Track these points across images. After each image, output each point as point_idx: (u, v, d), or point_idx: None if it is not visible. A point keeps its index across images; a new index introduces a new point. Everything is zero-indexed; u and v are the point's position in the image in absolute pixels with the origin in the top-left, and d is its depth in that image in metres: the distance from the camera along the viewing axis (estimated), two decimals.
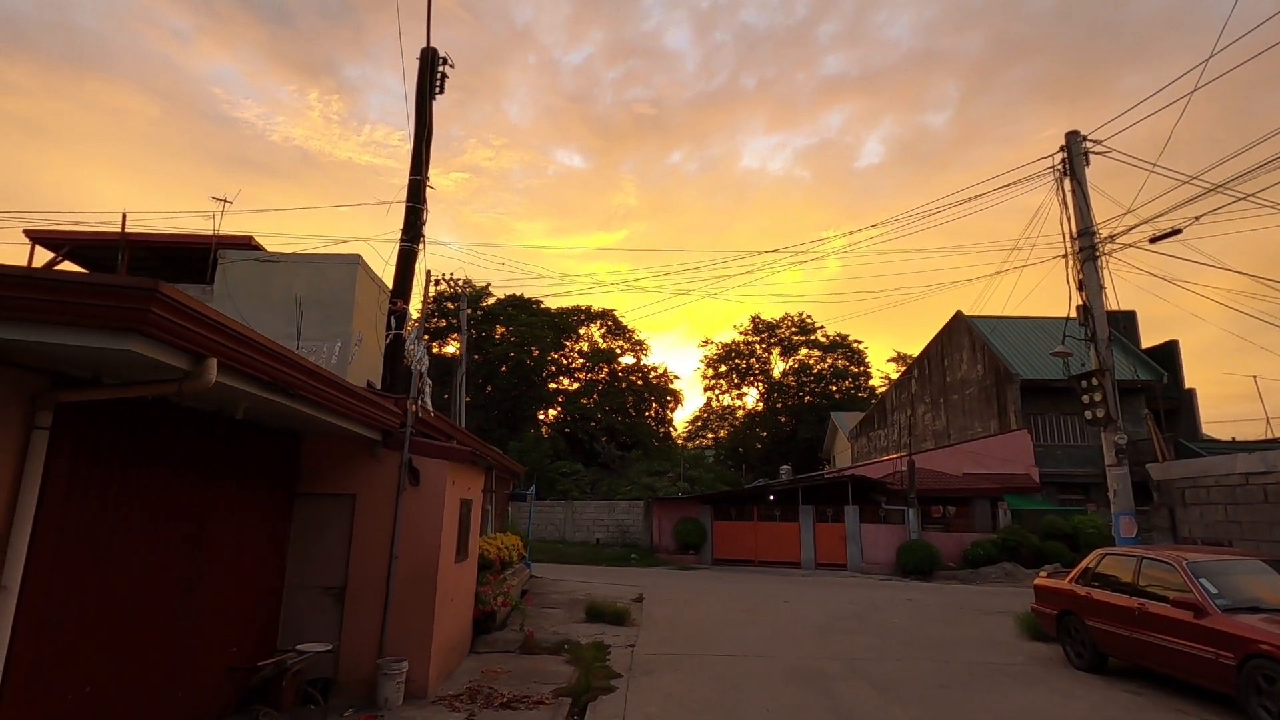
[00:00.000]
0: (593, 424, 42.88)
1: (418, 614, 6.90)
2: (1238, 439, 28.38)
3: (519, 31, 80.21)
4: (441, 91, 9.62)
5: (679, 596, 15.15)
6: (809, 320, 52.09)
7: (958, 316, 31.82)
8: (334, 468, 7.16)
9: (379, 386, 9.70)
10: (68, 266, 15.20)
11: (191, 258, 14.62)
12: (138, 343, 3.06)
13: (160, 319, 3.03)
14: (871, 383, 51.66)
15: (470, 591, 9.02)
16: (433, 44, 9.63)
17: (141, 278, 3.07)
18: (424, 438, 7.54)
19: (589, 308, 47.51)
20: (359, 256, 13.69)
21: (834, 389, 50.73)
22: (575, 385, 46.20)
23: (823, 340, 51.76)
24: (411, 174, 9.13)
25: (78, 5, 64.17)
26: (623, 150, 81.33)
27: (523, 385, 43.19)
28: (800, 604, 14.42)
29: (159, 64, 69.35)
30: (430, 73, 9.50)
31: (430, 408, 7.79)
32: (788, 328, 52.40)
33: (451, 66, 9.73)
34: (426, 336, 8.61)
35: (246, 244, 14.17)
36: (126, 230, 14.11)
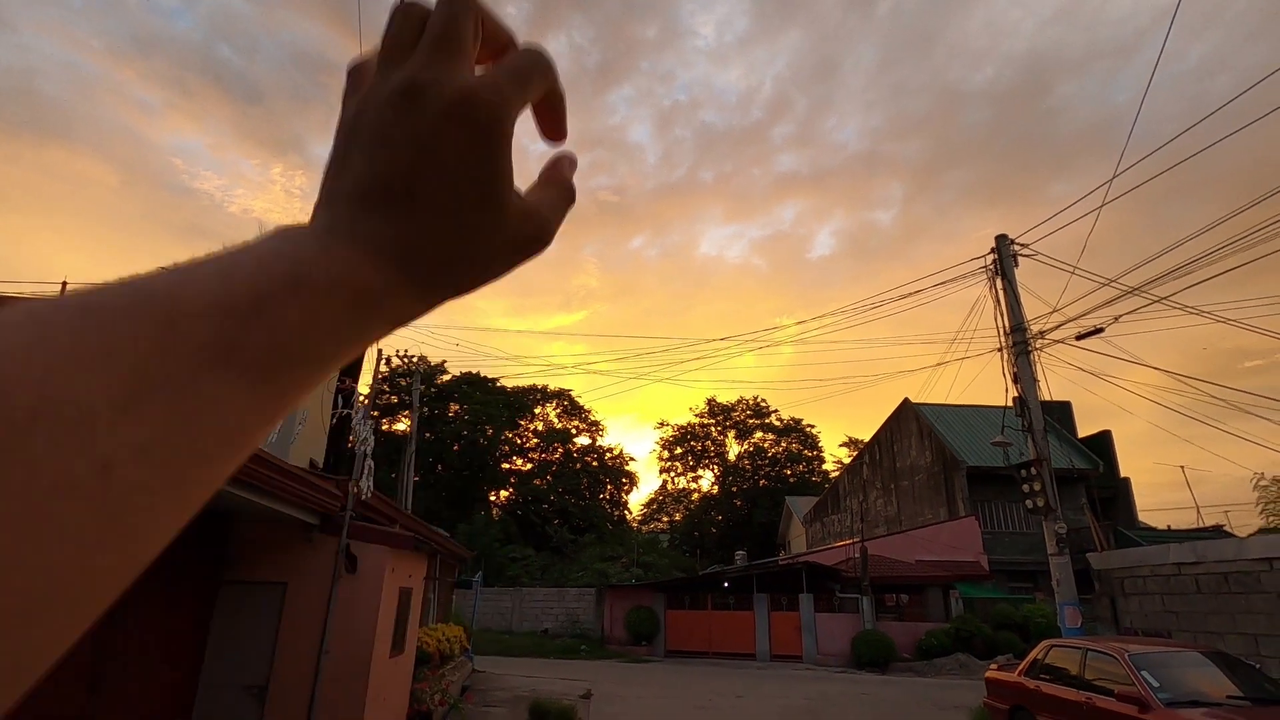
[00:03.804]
0: (545, 506, 41.85)
1: (346, 715, 6.43)
2: (1173, 527, 29.23)
3: None
4: None
5: (629, 692, 14.47)
6: (764, 404, 52.78)
7: (905, 403, 32.65)
8: (265, 554, 6.80)
9: (322, 465, 9.39)
10: None
11: None
12: None
13: None
14: (825, 467, 52.07)
15: (405, 689, 8.47)
16: None
17: None
18: (365, 522, 7.26)
19: (545, 387, 47.26)
20: None
21: (788, 472, 50.92)
22: (529, 466, 45.28)
23: (777, 424, 52.29)
24: None
25: (44, 74, 64.49)
26: (586, 234, 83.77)
27: (475, 465, 42.15)
28: (754, 699, 13.93)
29: (122, 134, 69.45)
30: None
31: (372, 489, 7.55)
32: (742, 411, 52.91)
33: None
34: (375, 413, 8.43)
35: None
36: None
